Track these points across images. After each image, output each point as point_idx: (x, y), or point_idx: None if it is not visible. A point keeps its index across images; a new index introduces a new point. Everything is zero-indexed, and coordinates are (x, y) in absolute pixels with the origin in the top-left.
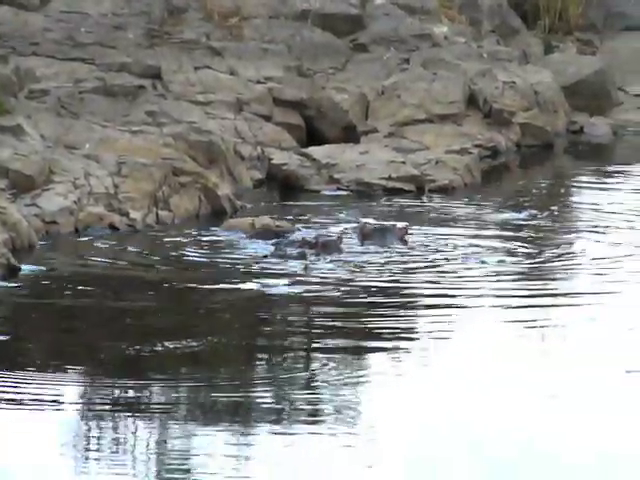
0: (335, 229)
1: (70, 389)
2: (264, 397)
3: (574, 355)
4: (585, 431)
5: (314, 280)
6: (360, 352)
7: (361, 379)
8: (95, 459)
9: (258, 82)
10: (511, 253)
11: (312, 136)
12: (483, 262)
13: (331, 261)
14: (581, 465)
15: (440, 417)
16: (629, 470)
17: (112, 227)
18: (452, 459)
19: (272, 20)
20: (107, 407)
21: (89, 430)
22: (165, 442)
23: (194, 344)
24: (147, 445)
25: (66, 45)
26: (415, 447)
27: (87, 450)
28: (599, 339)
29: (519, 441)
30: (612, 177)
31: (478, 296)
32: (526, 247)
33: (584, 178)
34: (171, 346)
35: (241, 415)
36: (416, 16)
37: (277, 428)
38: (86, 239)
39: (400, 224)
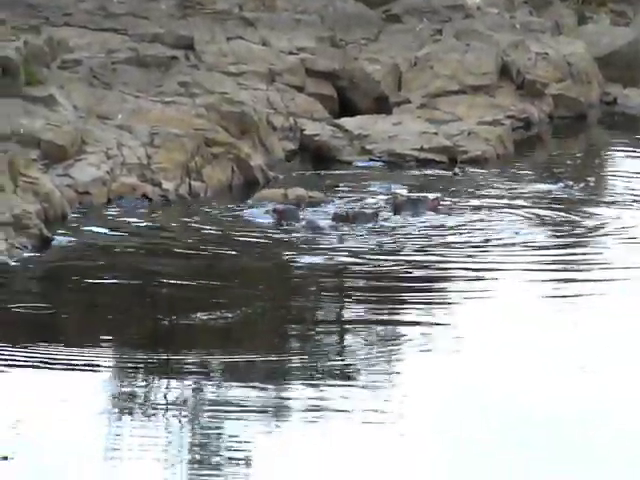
0: (369, 201)
1: (103, 360)
2: (297, 368)
3: (605, 328)
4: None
5: (348, 251)
6: (393, 324)
7: (393, 351)
8: (129, 421)
9: (290, 53)
10: (545, 224)
11: (344, 107)
12: (517, 233)
13: (365, 233)
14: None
15: (472, 392)
16: None
17: (145, 197)
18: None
19: None
20: (140, 377)
21: (122, 397)
22: (200, 405)
23: (227, 315)
24: (180, 412)
25: (98, 15)
26: (445, 421)
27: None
28: (630, 312)
29: (549, 417)
30: None
31: (511, 269)
32: (560, 218)
33: (618, 149)
34: (204, 317)
35: (275, 383)
36: None
37: (309, 395)
38: (119, 209)
39: (432, 195)
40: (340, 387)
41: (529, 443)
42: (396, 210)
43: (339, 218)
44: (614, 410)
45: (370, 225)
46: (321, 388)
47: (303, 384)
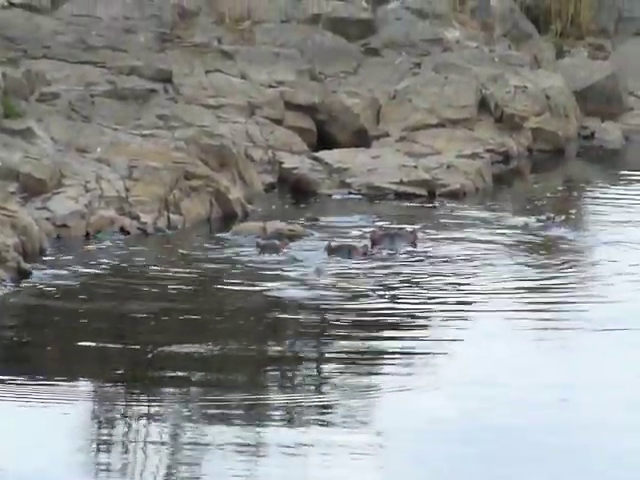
0: (354, 233)
1: (80, 393)
2: (274, 401)
3: (587, 361)
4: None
5: (326, 284)
6: (373, 359)
7: (372, 386)
8: (105, 458)
9: (270, 86)
10: (524, 258)
11: (323, 140)
12: (491, 265)
13: (346, 265)
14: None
15: (453, 425)
16: None
17: (123, 231)
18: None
19: (283, 24)
20: (118, 410)
21: (99, 432)
22: (176, 444)
23: (205, 348)
24: (158, 450)
25: (77, 48)
26: (425, 453)
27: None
28: (610, 348)
29: (522, 443)
30: (624, 183)
31: (488, 302)
32: (540, 251)
33: (596, 183)
34: (183, 351)
35: (252, 418)
36: (428, 20)
37: (287, 432)
38: (97, 243)
39: (410, 228)
40: (320, 424)
41: (513, 474)
42: (373, 243)
43: (319, 251)
44: (597, 441)
45: (353, 257)
46: (300, 423)
47: (282, 421)
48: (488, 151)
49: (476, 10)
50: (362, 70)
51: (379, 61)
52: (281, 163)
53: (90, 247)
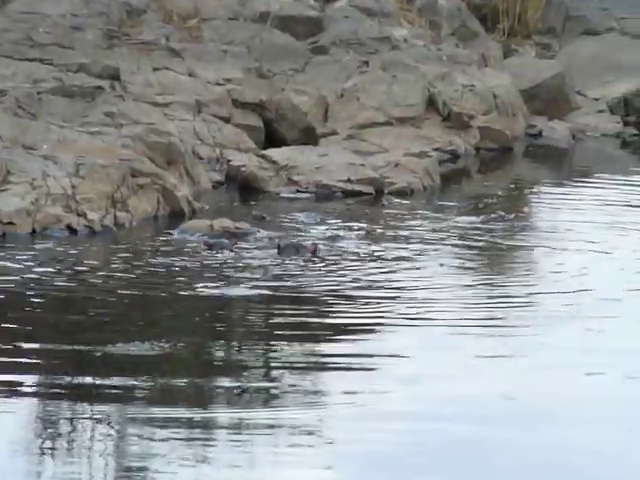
0: (296, 232)
1: (23, 396)
2: (222, 399)
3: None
4: None
5: (274, 283)
6: (320, 356)
7: (318, 380)
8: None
9: (217, 84)
10: (470, 256)
11: (271, 138)
12: (441, 265)
13: (295, 264)
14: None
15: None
16: None
17: (69, 228)
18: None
19: (231, 22)
20: (64, 414)
21: (43, 433)
22: (122, 445)
23: (151, 348)
24: (104, 449)
25: (24, 45)
26: (374, 455)
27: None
28: (558, 343)
29: (478, 454)
30: (570, 182)
31: (435, 304)
32: (486, 250)
33: (543, 182)
34: (128, 351)
35: (199, 421)
36: (375, 19)
37: (235, 432)
38: (43, 240)
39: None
40: (265, 430)
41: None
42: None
43: (286, 250)
44: (572, 459)
45: (300, 256)
46: (246, 428)
47: (227, 422)
48: (436, 150)
49: (423, 9)
50: (310, 68)
51: (327, 59)
52: (229, 161)
53: (36, 245)
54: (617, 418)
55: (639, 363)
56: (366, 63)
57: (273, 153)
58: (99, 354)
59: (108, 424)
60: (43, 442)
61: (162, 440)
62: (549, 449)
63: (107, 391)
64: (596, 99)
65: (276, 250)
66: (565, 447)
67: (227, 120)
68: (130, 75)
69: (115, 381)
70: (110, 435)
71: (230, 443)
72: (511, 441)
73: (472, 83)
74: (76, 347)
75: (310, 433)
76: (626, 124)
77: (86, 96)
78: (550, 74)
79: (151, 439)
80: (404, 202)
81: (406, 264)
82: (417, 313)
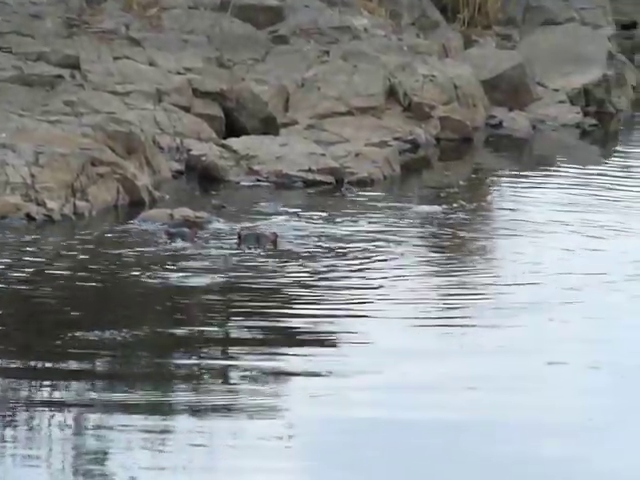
0: (256, 222)
1: None
2: (179, 389)
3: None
4: None
5: (234, 272)
6: (275, 344)
7: (277, 373)
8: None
9: (177, 73)
10: (430, 246)
11: (232, 127)
12: (402, 254)
13: (255, 253)
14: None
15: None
16: None
17: (29, 217)
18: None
19: (192, 11)
20: (20, 399)
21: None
22: (79, 434)
23: (111, 335)
24: (61, 436)
25: None
26: (332, 439)
27: None
28: (521, 333)
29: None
30: (530, 172)
31: (388, 293)
32: (446, 240)
33: (503, 172)
34: (88, 337)
35: (157, 405)
36: (336, 8)
37: (193, 420)
38: (1, 229)
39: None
40: (224, 417)
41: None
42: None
43: (246, 239)
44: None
45: (261, 245)
46: (205, 415)
47: (186, 412)
48: (396, 139)
49: None
50: (270, 58)
51: (288, 49)
52: (189, 150)
53: None
54: (579, 406)
55: (601, 353)
56: (327, 53)
57: (233, 142)
58: (58, 342)
59: (65, 411)
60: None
61: (120, 427)
62: (510, 439)
63: (66, 378)
64: (556, 90)
65: (236, 240)
66: (528, 437)
67: (187, 109)
68: (90, 64)
69: (74, 368)
70: (67, 421)
71: (189, 429)
72: (475, 432)
73: (433, 73)
74: (35, 335)
75: (269, 427)
76: (586, 114)
77: (46, 85)
78: (510, 65)
79: (110, 426)
80: (365, 192)
81: (367, 255)
82: (377, 305)
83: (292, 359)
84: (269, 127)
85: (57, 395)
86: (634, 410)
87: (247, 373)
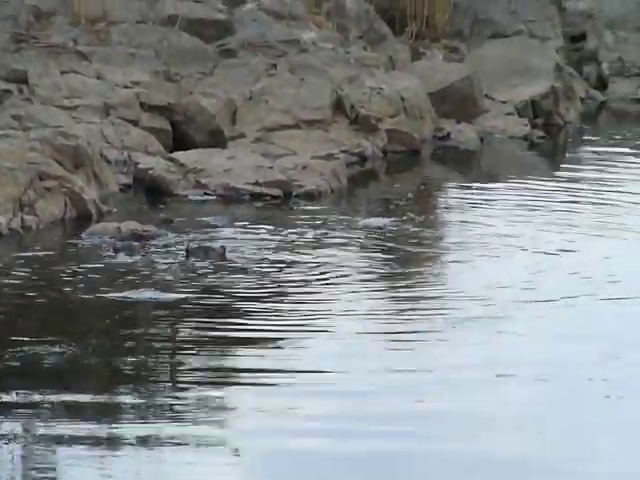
0: (204, 236)
1: None
2: (126, 399)
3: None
4: None
5: (182, 286)
6: (227, 354)
7: (225, 381)
8: None
9: (125, 87)
10: (375, 262)
11: (180, 141)
12: (350, 268)
13: (204, 266)
14: None
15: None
16: None
17: None
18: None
19: (140, 25)
20: None
21: None
22: (26, 450)
23: (58, 349)
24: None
25: None
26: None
27: None
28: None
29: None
30: (479, 184)
31: (335, 310)
32: (393, 253)
33: (450, 185)
34: (34, 351)
35: (104, 415)
36: (284, 22)
37: (140, 433)
38: None
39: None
40: (172, 423)
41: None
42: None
43: (194, 253)
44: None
45: (209, 259)
46: (152, 424)
47: (134, 421)
48: (343, 152)
49: (332, 12)
50: (218, 71)
51: (235, 62)
52: (137, 164)
53: None
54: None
55: (549, 365)
56: (274, 66)
57: (181, 156)
58: (8, 355)
59: (14, 411)
60: None
61: (66, 443)
62: (465, 456)
63: (8, 397)
64: (504, 102)
65: (184, 253)
66: (480, 453)
67: (135, 123)
68: (38, 78)
69: (18, 380)
70: (16, 422)
71: (136, 456)
72: (429, 452)
73: (380, 86)
74: None
75: (217, 446)
76: (534, 126)
77: None
78: (458, 77)
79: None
80: (312, 205)
81: (314, 270)
82: (323, 323)
83: (240, 373)
84: (217, 140)
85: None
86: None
87: (194, 388)
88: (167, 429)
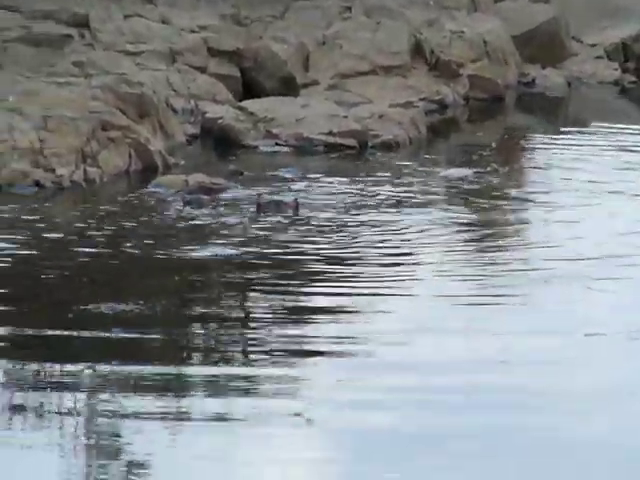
0: (276, 188)
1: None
2: (198, 365)
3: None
4: None
5: (254, 241)
6: (297, 313)
7: (300, 350)
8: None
9: (192, 31)
10: (456, 216)
11: (249, 88)
12: (429, 223)
13: (274, 222)
14: None
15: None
16: None
17: (38, 184)
18: None
19: None
20: (35, 372)
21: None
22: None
23: (126, 307)
24: (75, 408)
25: None
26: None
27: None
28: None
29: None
30: (565, 133)
31: (414, 267)
32: (471, 210)
33: (535, 134)
34: (102, 310)
35: (174, 385)
36: None
37: (211, 392)
38: (9, 197)
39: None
40: (245, 395)
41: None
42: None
43: (265, 207)
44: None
45: (281, 213)
46: (225, 394)
47: (204, 392)
48: (422, 99)
49: None
50: (289, 14)
51: (307, 5)
52: (204, 113)
53: (2, 201)
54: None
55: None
56: (348, 9)
57: (251, 104)
58: (73, 314)
59: (81, 382)
60: (14, 403)
61: (137, 398)
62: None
63: (81, 351)
64: (593, 45)
65: (255, 207)
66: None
67: (202, 70)
68: (100, 22)
69: (90, 339)
70: (82, 394)
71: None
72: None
73: (461, 29)
74: (46, 306)
75: (291, 417)
76: (625, 71)
77: (53, 45)
78: (544, 19)
79: (125, 397)
80: (389, 156)
81: (392, 226)
82: (403, 281)
83: (317, 342)
84: (288, 88)
85: (69, 368)
86: None
87: (267, 352)
88: (240, 401)
